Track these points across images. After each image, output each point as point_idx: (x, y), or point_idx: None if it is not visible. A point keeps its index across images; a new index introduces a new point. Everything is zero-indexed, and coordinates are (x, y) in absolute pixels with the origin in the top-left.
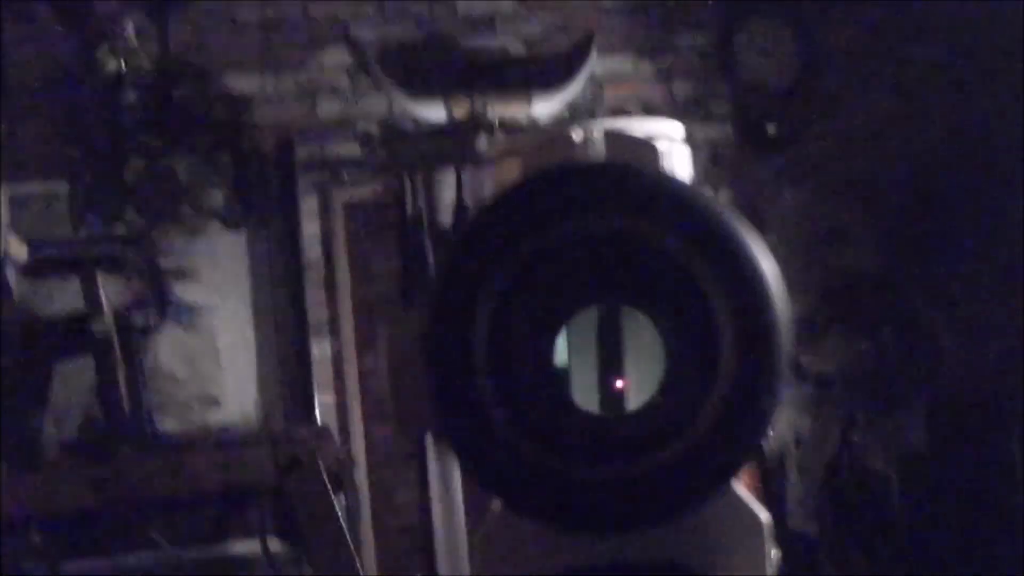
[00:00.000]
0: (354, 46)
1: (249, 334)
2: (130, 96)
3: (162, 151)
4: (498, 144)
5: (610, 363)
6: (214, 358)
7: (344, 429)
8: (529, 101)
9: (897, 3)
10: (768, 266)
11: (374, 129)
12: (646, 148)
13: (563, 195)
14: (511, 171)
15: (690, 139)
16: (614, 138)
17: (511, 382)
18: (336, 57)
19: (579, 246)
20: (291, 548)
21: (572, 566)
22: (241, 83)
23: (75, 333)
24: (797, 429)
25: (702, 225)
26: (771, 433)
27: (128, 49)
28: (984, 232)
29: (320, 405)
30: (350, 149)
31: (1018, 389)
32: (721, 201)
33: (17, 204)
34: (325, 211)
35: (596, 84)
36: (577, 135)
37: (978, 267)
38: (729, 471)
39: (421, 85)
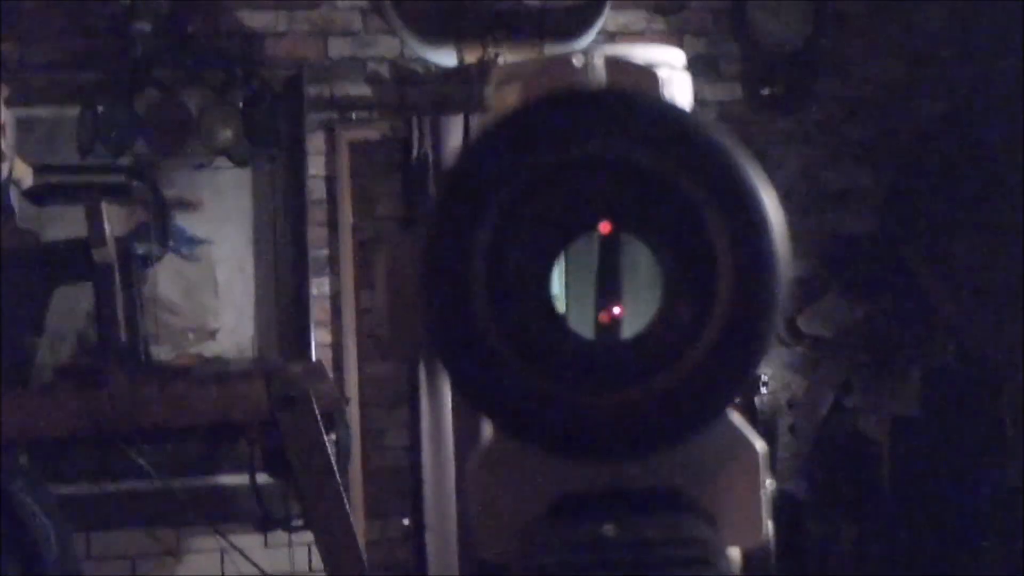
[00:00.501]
0: None
1: (249, 269)
2: (144, 27)
3: (173, 84)
4: (499, 68)
5: (607, 290)
6: (212, 290)
7: (338, 368)
8: (541, 51)
9: None
10: (768, 196)
11: (384, 71)
12: (647, 75)
13: (563, 120)
14: (511, 95)
15: (699, 97)
16: (615, 64)
17: (508, 306)
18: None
19: (578, 172)
20: (279, 484)
21: (566, 492)
22: (254, 19)
23: (76, 259)
24: (791, 390)
25: (702, 153)
26: (764, 391)
27: None
28: (986, 201)
29: (316, 343)
30: (359, 89)
31: (1012, 360)
32: (723, 130)
33: (25, 127)
34: (331, 150)
35: (608, 38)
36: (578, 60)
37: (979, 236)
38: (724, 400)
39: (434, 29)
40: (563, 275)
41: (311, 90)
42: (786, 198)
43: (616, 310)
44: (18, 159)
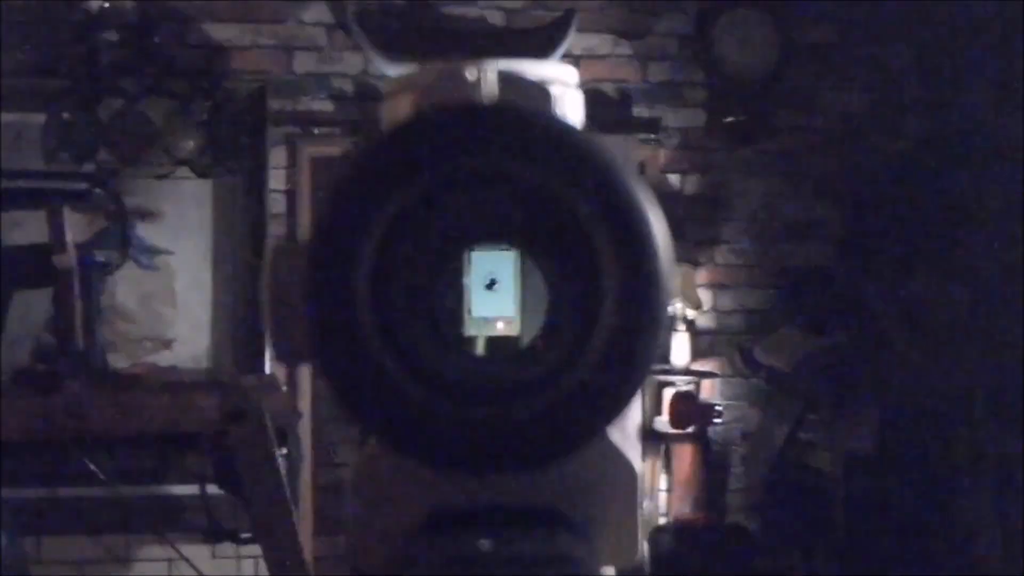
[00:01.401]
0: (335, 4)
1: (206, 280)
2: (111, 36)
3: (137, 94)
4: (392, 80)
5: (492, 304)
6: (170, 300)
7: (292, 382)
8: None
9: (875, 1)
10: (654, 215)
11: (348, 87)
12: (539, 91)
13: (453, 134)
14: (404, 106)
15: (662, 123)
16: (508, 79)
17: (393, 318)
18: (316, 13)
19: (467, 186)
20: (230, 496)
21: (444, 505)
22: (220, 32)
23: (36, 264)
24: (745, 421)
25: (590, 170)
26: (718, 422)
27: None
28: (946, 239)
29: (269, 356)
30: (323, 105)
31: (969, 399)
32: (611, 148)
33: None
34: (293, 164)
35: (572, 61)
36: (471, 74)
37: (937, 273)
38: (604, 419)
39: (398, 47)
40: (459, 289)
41: (274, 104)
42: (746, 228)
43: (500, 325)
44: None
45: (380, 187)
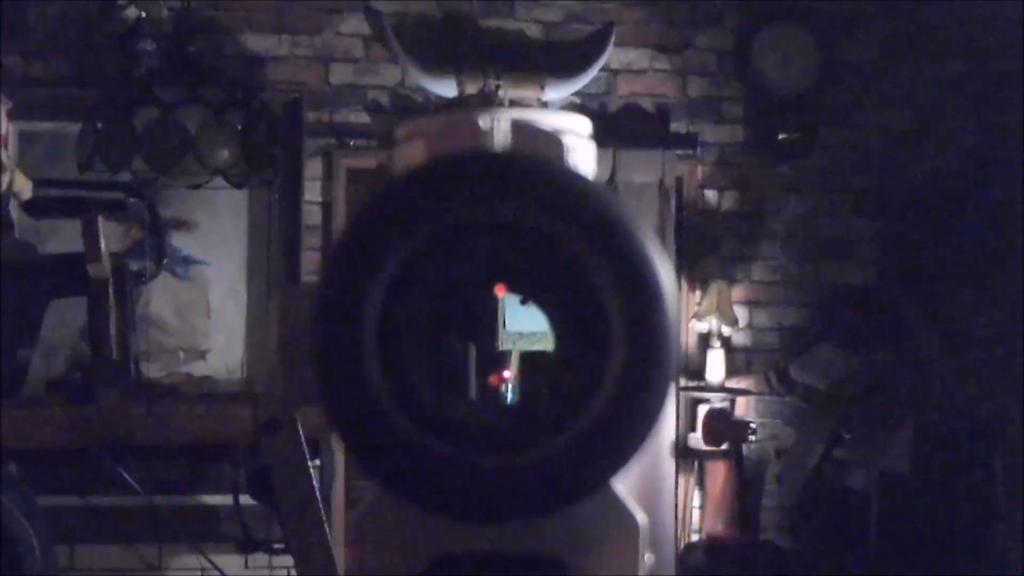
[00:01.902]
0: (373, 15)
1: (241, 290)
2: (147, 46)
3: (174, 104)
4: (405, 124)
5: (499, 353)
6: (204, 311)
7: None
8: (542, 85)
9: (916, 19)
10: (663, 269)
11: (384, 99)
12: (551, 140)
13: (465, 182)
14: (415, 153)
15: (701, 139)
16: (520, 128)
17: (400, 367)
18: (353, 25)
19: (476, 234)
20: (262, 507)
21: (445, 553)
22: (257, 43)
23: (71, 273)
24: (780, 439)
25: (600, 221)
26: (753, 439)
27: None
28: (986, 256)
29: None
30: (359, 117)
31: (1006, 418)
32: (622, 200)
33: (26, 141)
34: (328, 176)
35: (610, 75)
36: (484, 123)
37: (977, 291)
38: (608, 471)
39: (435, 60)
40: (466, 338)
41: (310, 115)
42: (783, 245)
43: (506, 373)
44: (18, 172)
45: (390, 233)
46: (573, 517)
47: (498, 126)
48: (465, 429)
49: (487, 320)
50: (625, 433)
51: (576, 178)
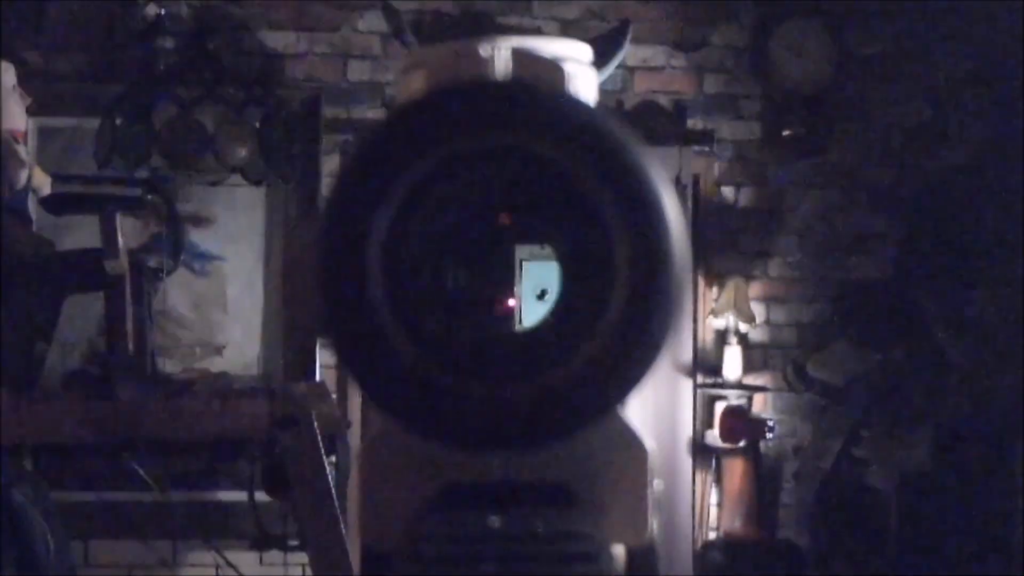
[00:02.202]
0: (390, 12)
1: (258, 286)
2: (166, 43)
3: (192, 101)
4: (406, 55)
5: (503, 281)
6: (221, 306)
7: (342, 390)
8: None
9: (931, 12)
10: (667, 194)
11: None
12: (553, 68)
13: (467, 110)
14: (417, 82)
15: (717, 136)
16: (521, 56)
17: (404, 294)
18: (370, 22)
19: (480, 162)
20: (278, 503)
21: (453, 482)
22: (275, 40)
23: (89, 268)
24: (797, 436)
25: (602, 146)
26: (770, 436)
27: None
28: (1005, 253)
29: (321, 364)
30: (377, 113)
31: None
32: (624, 125)
33: (45, 136)
34: None
35: (627, 72)
36: (485, 51)
37: (995, 288)
38: (616, 397)
39: None
40: (470, 265)
41: (328, 112)
42: (800, 241)
43: (510, 301)
44: (37, 167)
45: (393, 162)
46: (581, 444)
47: (499, 54)
48: (470, 357)
49: (492, 249)
50: (632, 359)
51: (578, 104)
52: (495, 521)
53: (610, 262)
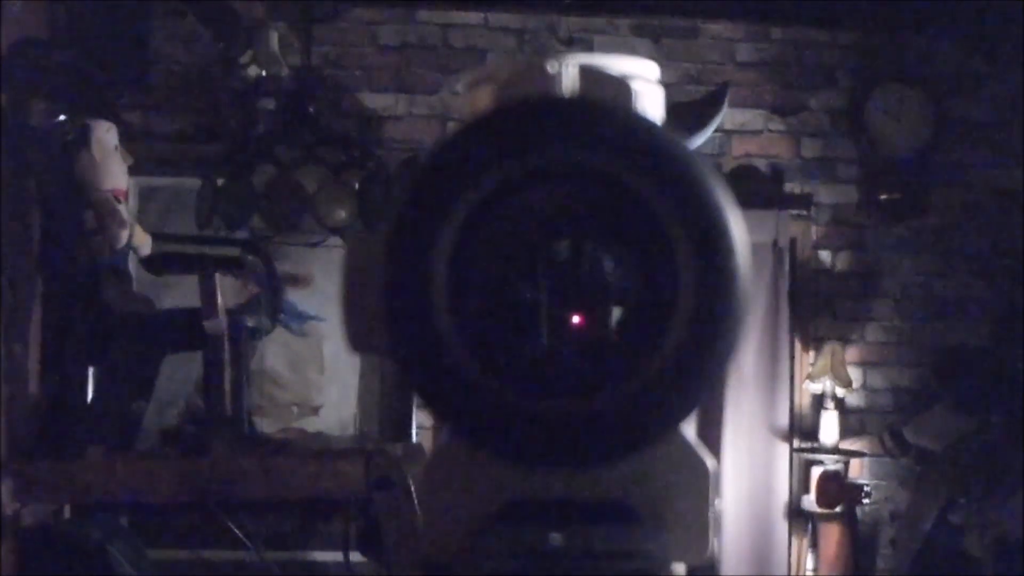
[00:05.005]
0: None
1: None
2: (267, 104)
3: (292, 161)
4: (473, 71)
5: (569, 297)
6: (319, 366)
7: None
8: None
9: None
10: (733, 215)
11: None
12: (620, 86)
13: (534, 127)
14: (483, 99)
15: (815, 200)
16: (589, 73)
17: (469, 308)
18: (462, 93)
19: (546, 180)
20: (373, 563)
21: (515, 498)
22: (375, 101)
23: (187, 328)
24: (894, 502)
25: (670, 166)
26: (867, 502)
27: (270, 57)
28: None
29: (417, 425)
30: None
31: None
32: (691, 147)
33: (146, 196)
34: None
35: (724, 136)
36: (552, 67)
37: None
38: (679, 415)
39: None
40: (530, 281)
41: None
42: (897, 306)
43: (576, 319)
44: (138, 227)
45: (459, 177)
46: (642, 462)
47: (566, 71)
48: (534, 373)
49: (557, 265)
50: (695, 378)
51: (645, 123)
52: (556, 538)
53: (675, 281)
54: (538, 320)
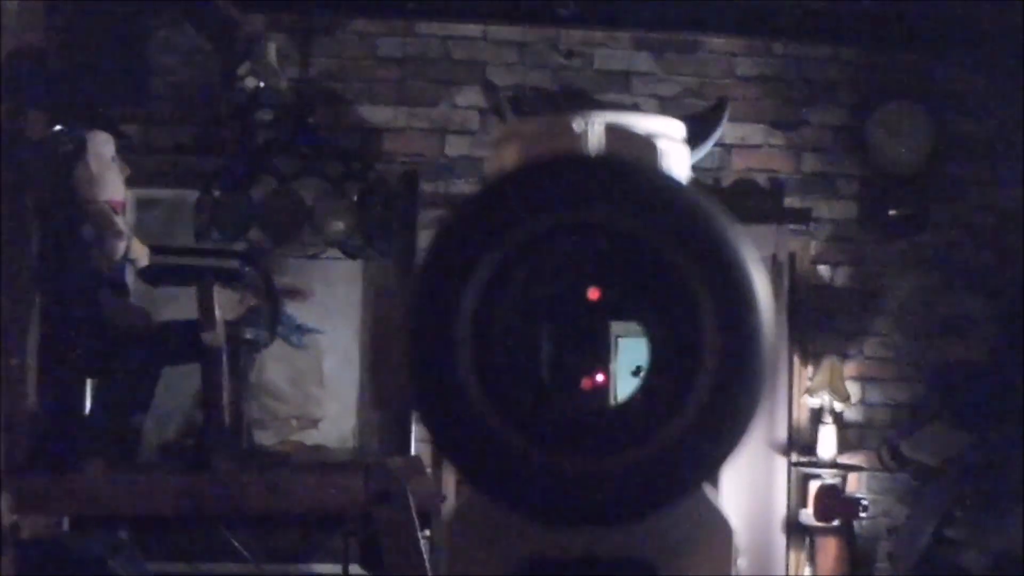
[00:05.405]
0: (489, 88)
1: (355, 359)
2: (265, 116)
3: (291, 174)
4: (500, 127)
5: (592, 356)
6: (318, 380)
7: (437, 464)
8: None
9: None
10: (758, 274)
11: None
12: (646, 144)
13: (560, 184)
14: (511, 155)
15: (815, 215)
16: (615, 131)
17: (492, 367)
18: (469, 97)
19: (571, 237)
20: None
21: (537, 556)
22: (374, 115)
23: (186, 340)
24: (892, 517)
25: (695, 226)
26: (864, 516)
27: (268, 69)
28: None
29: (416, 438)
30: (474, 189)
31: None
32: (717, 205)
33: (144, 208)
34: None
35: (724, 150)
36: (578, 126)
37: None
38: (701, 475)
39: None
40: (553, 340)
41: (426, 187)
42: (896, 321)
43: (599, 377)
44: (135, 239)
45: (484, 235)
46: (665, 521)
47: (592, 129)
48: (557, 432)
49: (580, 324)
50: (718, 438)
51: (670, 182)
52: None
53: (699, 340)
54: (562, 378)
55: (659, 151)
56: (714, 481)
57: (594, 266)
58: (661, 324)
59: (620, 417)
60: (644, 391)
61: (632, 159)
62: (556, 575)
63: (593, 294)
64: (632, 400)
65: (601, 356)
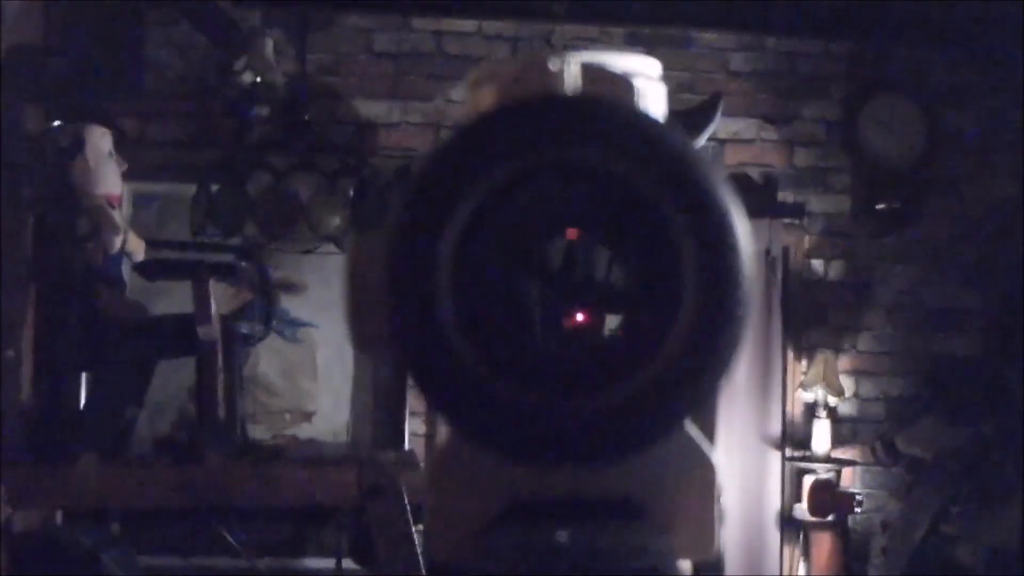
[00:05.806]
0: None
1: (348, 354)
2: (261, 111)
3: (286, 169)
4: (476, 69)
5: (571, 296)
6: (312, 373)
7: (431, 458)
8: None
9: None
10: (736, 211)
11: None
12: (622, 83)
13: (535, 125)
14: (486, 97)
15: (807, 209)
16: (591, 71)
17: (472, 307)
18: (463, 92)
19: (547, 178)
20: (365, 570)
21: (520, 498)
22: (369, 109)
23: (181, 334)
24: (885, 512)
25: (672, 163)
26: (858, 511)
27: (264, 64)
28: None
29: (410, 432)
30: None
31: None
32: (694, 143)
33: (140, 202)
34: None
35: (718, 145)
36: (554, 65)
37: None
38: (683, 412)
39: None
40: (534, 279)
41: None
42: (889, 316)
43: (580, 316)
44: (132, 233)
45: (462, 176)
46: (648, 459)
47: (568, 69)
48: (537, 371)
49: (559, 263)
50: (700, 374)
51: (647, 120)
52: (562, 536)
53: (678, 278)
54: (542, 318)
55: (636, 89)
56: (710, 436)
57: (572, 206)
58: (640, 263)
59: (600, 355)
60: (624, 329)
61: (609, 97)
62: (539, 516)
63: (571, 233)
64: (612, 338)
65: (580, 295)
